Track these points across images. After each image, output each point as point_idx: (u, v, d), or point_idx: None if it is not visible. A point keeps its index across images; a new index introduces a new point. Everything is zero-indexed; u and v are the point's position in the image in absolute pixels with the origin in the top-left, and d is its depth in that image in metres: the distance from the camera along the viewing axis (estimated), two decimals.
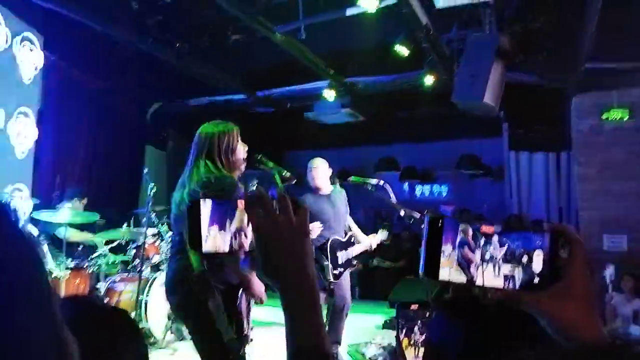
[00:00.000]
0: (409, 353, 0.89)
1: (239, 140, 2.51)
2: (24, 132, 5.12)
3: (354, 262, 4.22)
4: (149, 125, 7.88)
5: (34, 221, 4.87)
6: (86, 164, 6.42)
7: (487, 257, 0.66)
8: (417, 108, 7.57)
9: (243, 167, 2.53)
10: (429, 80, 6.21)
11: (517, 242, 0.67)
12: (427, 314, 0.97)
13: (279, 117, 8.25)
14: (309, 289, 0.69)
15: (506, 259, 0.66)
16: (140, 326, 4.44)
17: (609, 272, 5.51)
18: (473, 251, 0.66)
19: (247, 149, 2.54)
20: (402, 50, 5.57)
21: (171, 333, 4.68)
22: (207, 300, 2.21)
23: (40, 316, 0.42)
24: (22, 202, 4.84)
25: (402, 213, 4.14)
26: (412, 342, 0.91)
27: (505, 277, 0.66)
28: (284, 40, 5.34)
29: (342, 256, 4.06)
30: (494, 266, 0.66)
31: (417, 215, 3.90)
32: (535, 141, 7.44)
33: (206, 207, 0.71)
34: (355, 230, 4.44)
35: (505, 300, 0.65)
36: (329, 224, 4.14)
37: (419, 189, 10.05)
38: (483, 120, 6.35)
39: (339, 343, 4.26)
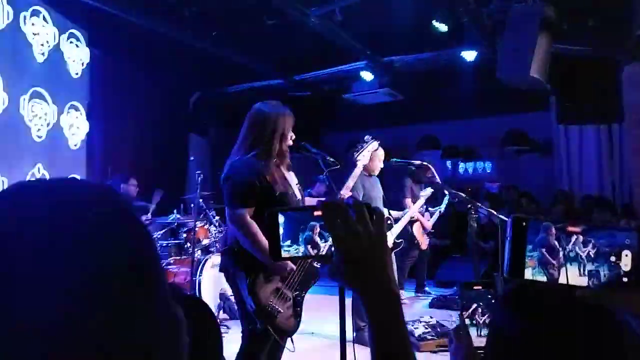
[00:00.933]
0: (472, 332, 0.90)
1: (291, 127, 2.48)
2: (76, 125, 5.35)
3: (397, 241, 4.22)
4: (191, 114, 8.07)
5: None
6: (135, 154, 6.67)
7: (572, 255, 0.67)
8: (458, 85, 7.38)
9: (287, 152, 2.54)
10: (470, 55, 6.03)
11: (603, 240, 0.66)
12: (490, 295, 0.96)
13: (317, 100, 8.25)
14: (392, 295, 0.70)
15: (591, 257, 0.66)
16: None
17: None
18: (557, 251, 0.67)
19: (293, 137, 2.52)
20: (441, 26, 5.43)
21: (224, 312, 4.86)
22: (235, 272, 2.36)
23: (159, 295, 0.45)
24: None
25: (446, 192, 4.11)
26: (474, 322, 0.91)
27: (590, 276, 0.66)
28: (319, 23, 5.31)
29: None
30: (579, 265, 0.66)
31: (462, 195, 3.86)
32: (585, 114, 7.12)
33: (282, 218, 0.73)
34: (393, 213, 4.46)
35: (592, 298, 0.64)
36: (377, 204, 4.18)
37: (462, 167, 9.86)
38: (529, 95, 6.14)
39: None
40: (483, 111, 8.30)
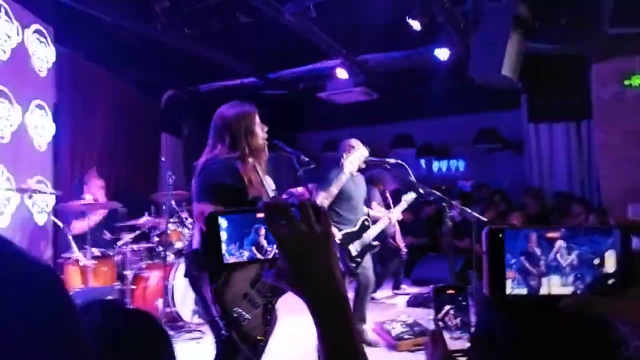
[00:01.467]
0: (445, 336, 0.90)
1: (257, 122, 2.46)
2: (41, 125, 5.16)
3: (373, 243, 4.21)
4: (164, 113, 7.90)
5: (57, 212, 4.96)
6: (104, 154, 6.48)
7: (553, 264, 0.63)
8: (432, 83, 7.44)
9: (264, 148, 2.49)
10: (443, 54, 6.07)
11: (585, 245, 0.63)
12: (461, 298, 0.97)
13: (291, 98, 8.19)
14: (339, 298, 0.68)
15: (574, 265, 0.63)
16: (168, 310, 4.53)
17: (636, 242, 5.41)
18: (537, 259, 0.63)
19: (266, 129, 2.49)
20: (415, 24, 5.44)
21: (199, 317, 4.76)
22: (199, 276, 2.28)
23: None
24: (45, 195, 4.91)
25: (421, 191, 4.11)
26: (447, 325, 0.91)
27: (575, 283, 0.63)
28: (293, 20, 5.25)
29: (356, 246, 4.06)
30: (561, 274, 0.63)
31: (436, 193, 3.87)
32: (555, 111, 7.28)
33: (222, 226, 0.69)
34: (371, 211, 4.44)
35: (577, 306, 0.62)
36: (358, 206, 4.17)
37: (435, 165, 9.96)
38: (500, 93, 6.22)
39: (364, 321, 4.29)
40: (456, 109, 8.39)
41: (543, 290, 0.63)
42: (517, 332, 0.72)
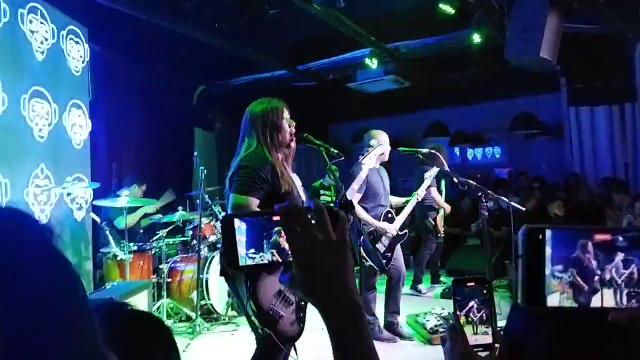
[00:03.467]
0: (467, 330, 0.84)
1: (285, 117, 2.46)
2: (78, 123, 5.29)
3: (400, 233, 4.13)
4: (196, 108, 8.00)
5: (95, 208, 5.09)
6: (139, 151, 6.61)
7: (607, 277, 0.56)
8: (466, 69, 7.22)
9: (293, 144, 2.48)
10: (477, 38, 5.87)
11: None
12: (485, 291, 0.90)
13: (321, 89, 8.14)
14: (353, 308, 0.65)
15: (632, 279, 0.56)
16: (203, 303, 4.60)
17: None
18: (592, 273, 0.55)
19: (294, 125, 2.48)
20: (447, 8, 5.28)
21: (232, 309, 4.81)
22: (234, 274, 2.27)
23: (76, 333, 0.39)
24: (83, 191, 5.05)
25: (455, 180, 4.01)
26: (469, 320, 0.85)
27: (630, 299, 0.56)
28: (321, 10, 5.18)
29: (383, 242, 4.00)
30: (615, 289, 0.56)
31: (471, 182, 3.76)
32: (596, 94, 6.95)
33: (242, 230, 0.67)
34: (394, 199, 4.36)
35: (629, 320, 0.56)
36: (383, 201, 4.11)
37: (470, 153, 9.72)
38: (538, 77, 5.98)
39: (398, 313, 4.24)
40: (491, 95, 8.15)
41: (593, 305, 0.56)
42: (551, 342, 0.66)
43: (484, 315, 0.84)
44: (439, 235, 5.68)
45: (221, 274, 2.49)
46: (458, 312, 0.86)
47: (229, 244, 0.67)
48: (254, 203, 2.26)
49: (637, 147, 6.74)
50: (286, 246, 0.66)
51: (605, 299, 0.56)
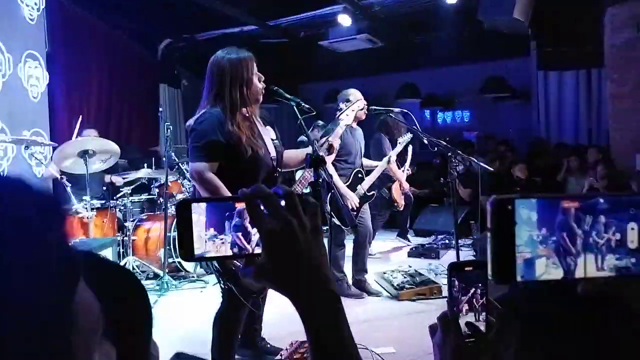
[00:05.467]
0: (469, 318, 0.77)
1: (255, 72, 2.34)
2: (35, 75, 5.02)
3: (369, 194, 4.15)
4: (161, 63, 7.69)
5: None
6: (101, 105, 6.35)
7: (590, 240, 0.54)
8: (439, 31, 7.16)
9: (260, 98, 2.39)
10: None
11: (618, 218, 0.54)
12: (485, 270, 0.78)
13: (292, 47, 7.94)
14: (332, 299, 0.60)
15: (611, 245, 0.54)
16: (170, 261, 4.56)
17: None
18: (576, 236, 0.53)
19: (263, 79, 2.38)
20: None
21: (200, 267, 4.79)
22: None
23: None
24: (43, 147, 4.84)
25: (425, 141, 4.01)
26: (473, 307, 0.78)
27: (617, 268, 0.54)
28: None
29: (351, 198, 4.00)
30: (597, 254, 0.54)
31: (442, 143, 3.77)
32: (565, 59, 7.03)
33: (199, 209, 0.60)
34: (366, 161, 4.35)
35: (594, 292, 0.55)
36: (355, 160, 4.09)
37: (440, 116, 9.78)
38: (509, 40, 5.99)
39: (365, 271, 4.31)
40: (463, 58, 8.13)
41: (578, 274, 0.54)
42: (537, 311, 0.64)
43: (485, 301, 0.78)
44: (395, 204, 5.59)
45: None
46: (461, 298, 0.78)
47: (183, 232, 0.59)
48: (210, 168, 2.19)
49: (601, 112, 6.90)
50: (250, 228, 0.60)
51: (587, 264, 0.54)
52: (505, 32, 4.67)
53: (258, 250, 0.61)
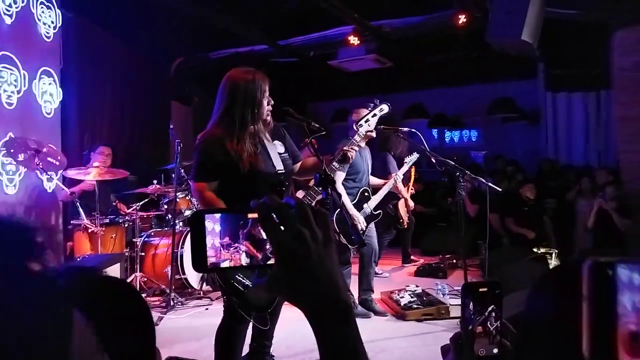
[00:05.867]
0: (483, 341, 0.76)
1: (266, 94, 2.36)
2: (49, 92, 5.11)
3: (375, 213, 4.15)
4: (173, 80, 7.80)
5: (65, 179, 4.96)
6: (113, 122, 6.43)
7: None
8: (448, 51, 7.22)
9: (269, 118, 2.42)
10: (460, 19, 5.86)
11: None
12: (498, 292, 0.79)
13: (302, 66, 8.03)
14: (343, 308, 0.60)
15: None
16: (177, 277, 4.56)
17: None
18: None
19: (272, 103, 2.41)
20: None
21: (206, 284, 4.79)
22: None
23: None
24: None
25: (433, 160, 4.02)
26: (487, 329, 0.76)
27: None
28: None
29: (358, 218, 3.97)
30: None
31: (450, 162, 3.78)
32: (573, 81, 7.05)
33: (214, 220, 0.61)
34: (372, 180, 4.34)
35: None
36: (362, 179, 4.09)
37: (448, 136, 9.80)
38: (517, 62, 6.03)
39: (371, 290, 4.29)
40: (471, 79, 8.18)
41: None
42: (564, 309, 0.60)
43: (500, 324, 0.76)
44: (400, 221, 5.57)
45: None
46: (477, 319, 0.76)
47: (196, 244, 0.60)
48: (209, 187, 2.27)
49: (610, 134, 6.89)
50: (264, 236, 0.61)
51: None
52: (513, 54, 4.70)
53: (271, 261, 0.62)
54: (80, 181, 4.67)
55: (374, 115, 2.97)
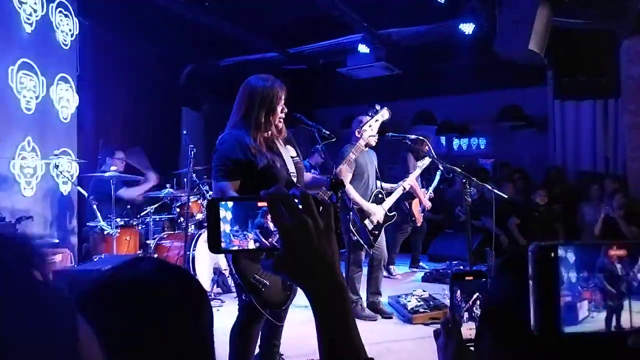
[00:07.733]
0: (471, 325, 0.82)
1: (282, 103, 2.42)
2: (66, 97, 5.25)
3: (389, 214, 4.19)
4: (184, 87, 7.94)
5: (82, 181, 5.09)
6: (126, 127, 6.57)
7: (634, 282, 0.52)
8: (456, 59, 7.29)
9: (281, 124, 2.48)
10: (468, 28, 5.94)
11: None
12: (484, 280, 0.87)
13: (312, 73, 8.13)
14: (340, 290, 0.68)
15: None
16: None
17: None
18: (618, 278, 0.52)
19: (286, 111, 2.47)
20: None
21: (217, 286, 4.88)
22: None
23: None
24: (69, 165, 5.04)
25: (441, 167, 4.08)
26: (473, 316, 0.83)
27: None
28: None
29: (372, 220, 4.04)
30: None
31: (457, 169, 3.83)
32: (581, 89, 7.09)
33: (227, 206, 0.69)
34: (385, 185, 4.40)
35: None
36: (370, 182, 4.14)
37: (456, 143, 9.84)
38: (525, 69, 6.08)
39: (379, 294, 4.35)
40: (479, 86, 8.23)
41: (624, 317, 0.52)
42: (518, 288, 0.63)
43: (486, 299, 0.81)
44: (413, 219, 5.63)
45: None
46: (463, 305, 0.83)
47: (212, 228, 0.68)
48: (232, 187, 2.30)
49: (618, 142, 6.91)
50: (271, 227, 0.69)
51: (633, 309, 0.52)
52: (520, 63, 4.76)
53: (277, 246, 0.70)
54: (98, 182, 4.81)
55: (376, 120, 3.12)
